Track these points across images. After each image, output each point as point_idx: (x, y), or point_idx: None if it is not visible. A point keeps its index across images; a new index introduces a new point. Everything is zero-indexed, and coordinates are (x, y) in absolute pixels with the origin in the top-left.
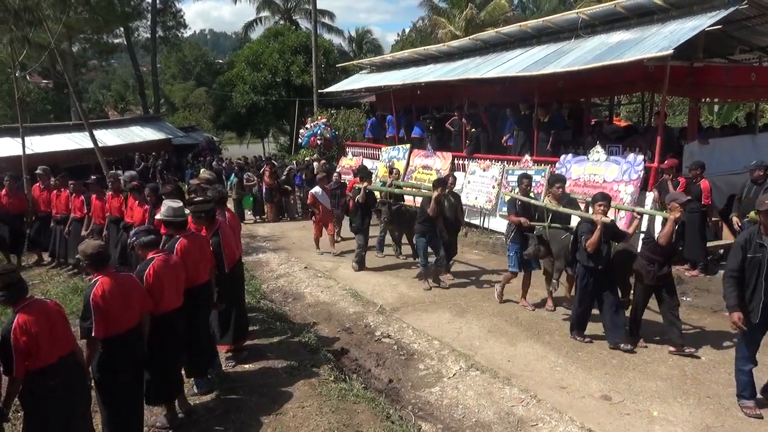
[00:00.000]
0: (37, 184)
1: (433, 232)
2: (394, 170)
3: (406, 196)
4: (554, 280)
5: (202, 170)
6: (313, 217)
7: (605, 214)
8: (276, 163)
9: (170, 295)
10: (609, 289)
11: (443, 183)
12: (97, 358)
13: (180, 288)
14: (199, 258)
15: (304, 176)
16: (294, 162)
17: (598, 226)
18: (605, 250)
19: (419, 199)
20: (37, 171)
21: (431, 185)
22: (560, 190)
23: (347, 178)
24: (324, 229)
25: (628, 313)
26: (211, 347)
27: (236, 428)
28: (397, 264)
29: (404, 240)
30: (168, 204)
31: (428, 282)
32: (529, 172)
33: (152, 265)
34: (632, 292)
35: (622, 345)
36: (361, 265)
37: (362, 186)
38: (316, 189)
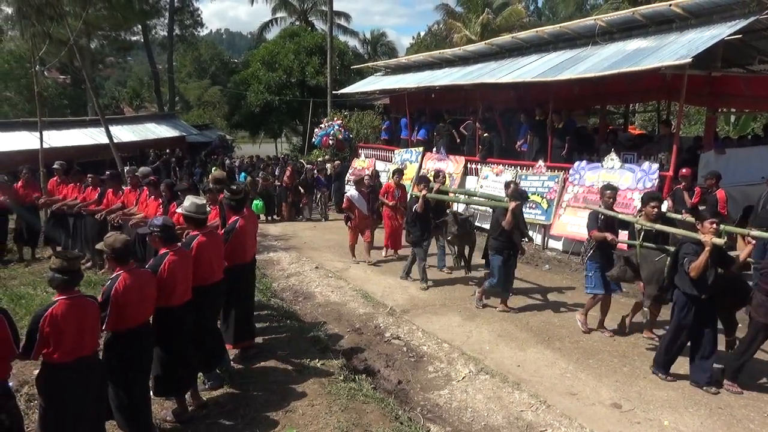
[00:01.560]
0: (54, 178)
1: (511, 248)
2: (441, 174)
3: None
4: (645, 308)
5: (213, 169)
6: (349, 223)
7: (716, 233)
8: (298, 164)
9: (181, 290)
10: (710, 323)
11: (427, 180)
12: (110, 351)
13: (189, 283)
14: (214, 256)
15: (323, 177)
16: (306, 162)
17: (706, 248)
18: (711, 277)
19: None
20: (54, 165)
21: (507, 194)
22: (656, 209)
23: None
24: (360, 235)
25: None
26: (220, 344)
27: (246, 424)
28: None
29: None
30: (192, 199)
31: (481, 301)
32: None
33: (167, 261)
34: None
35: (705, 387)
36: (424, 279)
37: (421, 193)
38: (353, 192)
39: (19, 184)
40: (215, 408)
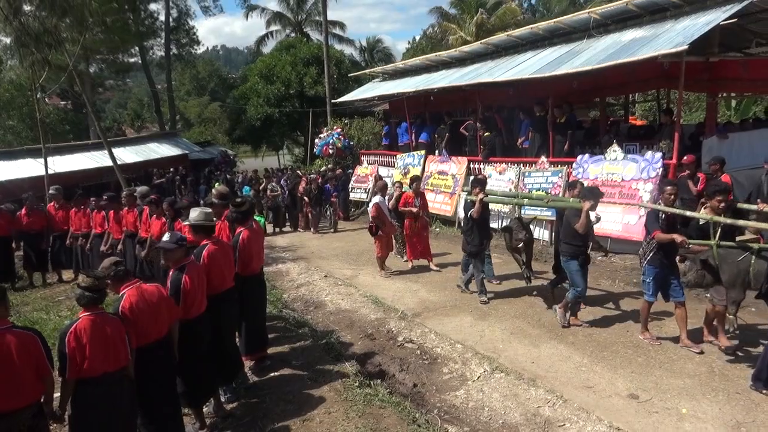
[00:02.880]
0: (52, 203)
1: (585, 253)
2: (481, 176)
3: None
4: (730, 315)
5: (217, 184)
6: (379, 232)
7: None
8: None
9: (199, 301)
10: None
11: (483, 183)
12: (135, 366)
13: (204, 293)
14: (224, 264)
15: (332, 186)
16: (306, 172)
17: None
18: None
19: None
20: (50, 191)
21: (578, 195)
22: (722, 204)
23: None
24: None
25: None
26: (237, 354)
27: None
28: (419, 269)
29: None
30: (199, 209)
31: (566, 317)
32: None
33: (186, 275)
34: None
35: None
36: (484, 291)
37: (477, 197)
38: (380, 198)
39: (23, 211)
40: (233, 421)
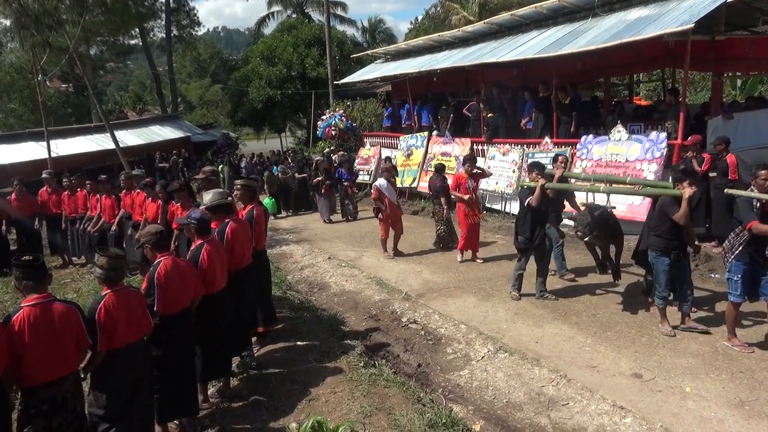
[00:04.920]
0: (44, 187)
1: (680, 248)
2: (560, 157)
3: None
4: None
5: (221, 167)
6: (380, 215)
7: None
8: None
9: (220, 277)
10: None
11: (542, 166)
12: (158, 334)
13: (225, 270)
14: (245, 240)
15: (345, 170)
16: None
17: None
18: None
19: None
20: (43, 175)
21: (673, 179)
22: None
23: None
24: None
25: None
26: (249, 330)
27: (270, 414)
28: (424, 250)
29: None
30: (212, 191)
31: (667, 325)
32: None
33: (205, 250)
34: None
35: None
36: (517, 286)
37: (537, 182)
38: (381, 181)
39: (13, 196)
40: (240, 400)
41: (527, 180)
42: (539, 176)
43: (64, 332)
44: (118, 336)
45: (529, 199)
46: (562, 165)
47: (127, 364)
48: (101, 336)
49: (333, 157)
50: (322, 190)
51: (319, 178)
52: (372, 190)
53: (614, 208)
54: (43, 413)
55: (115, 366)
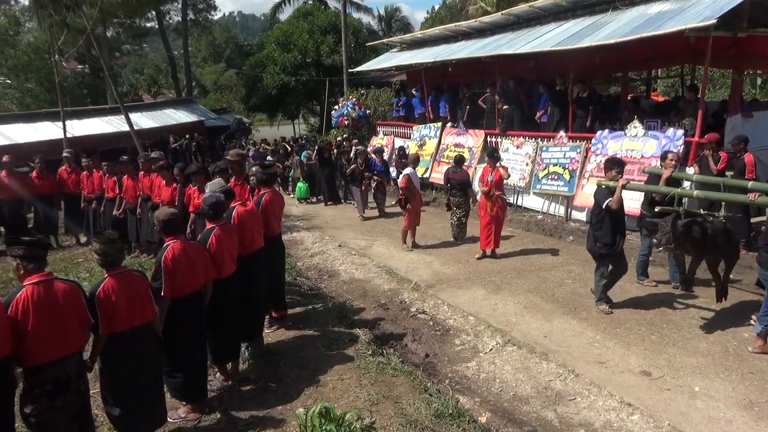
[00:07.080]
0: (64, 167)
1: None
2: (670, 155)
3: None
4: None
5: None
6: (408, 205)
7: None
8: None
9: (228, 262)
10: None
11: (621, 163)
12: (167, 318)
13: (234, 254)
14: (254, 224)
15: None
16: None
17: None
18: None
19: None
20: (64, 154)
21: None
22: None
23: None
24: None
25: None
26: (261, 315)
27: (278, 398)
28: (434, 244)
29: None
30: (216, 180)
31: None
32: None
33: (214, 234)
34: None
35: None
36: (605, 298)
37: (618, 182)
38: (410, 170)
39: (34, 174)
40: (249, 384)
41: (603, 179)
42: (618, 174)
43: (67, 310)
44: (120, 319)
45: (608, 201)
46: (672, 163)
47: (132, 348)
48: (101, 319)
49: (344, 145)
50: (362, 184)
51: (357, 167)
52: (401, 179)
53: (717, 216)
54: (47, 393)
55: (117, 349)
